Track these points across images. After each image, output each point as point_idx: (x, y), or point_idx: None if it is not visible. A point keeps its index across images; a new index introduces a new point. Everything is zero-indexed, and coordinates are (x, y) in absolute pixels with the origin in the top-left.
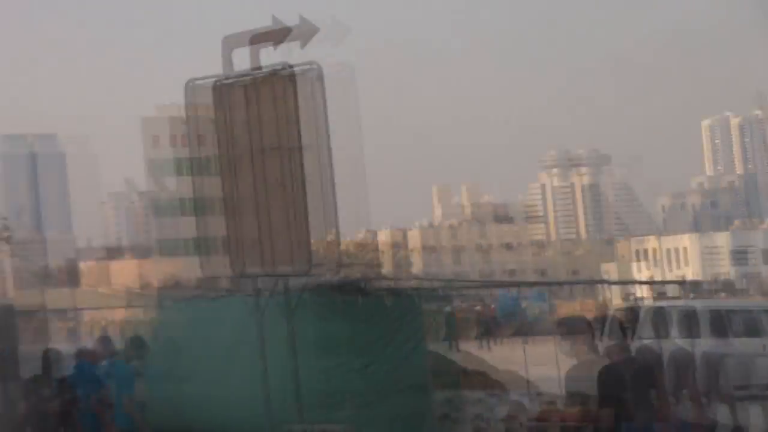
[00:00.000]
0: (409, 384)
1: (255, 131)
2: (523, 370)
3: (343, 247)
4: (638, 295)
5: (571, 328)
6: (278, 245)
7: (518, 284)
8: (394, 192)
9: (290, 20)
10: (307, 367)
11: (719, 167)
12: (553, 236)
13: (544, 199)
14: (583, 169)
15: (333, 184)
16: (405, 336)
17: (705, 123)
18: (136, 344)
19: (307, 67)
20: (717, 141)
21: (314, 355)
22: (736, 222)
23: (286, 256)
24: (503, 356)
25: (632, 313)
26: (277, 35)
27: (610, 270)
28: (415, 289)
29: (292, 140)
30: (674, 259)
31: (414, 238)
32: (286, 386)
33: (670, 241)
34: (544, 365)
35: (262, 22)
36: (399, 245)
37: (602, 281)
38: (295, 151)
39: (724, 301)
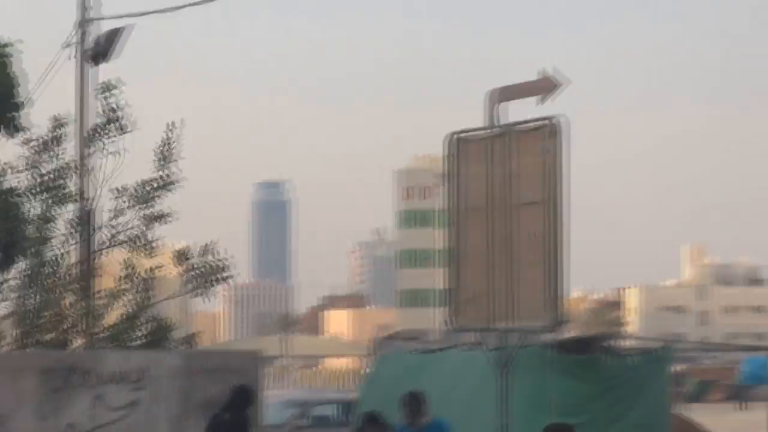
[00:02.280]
0: None
1: (505, 184)
2: None
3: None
4: None
5: None
6: (524, 300)
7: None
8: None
9: (531, 74)
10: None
11: None
12: None
13: None
14: None
15: (569, 240)
16: (650, 397)
17: None
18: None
19: (555, 120)
20: None
21: (558, 413)
22: None
23: (534, 311)
24: (749, 421)
25: None
26: (544, 88)
27: None
28: (662, 349)
29: (551, 193)
30: None
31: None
32: None
33: None
34: None
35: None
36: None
37: None
38: (554, 205)
39: None
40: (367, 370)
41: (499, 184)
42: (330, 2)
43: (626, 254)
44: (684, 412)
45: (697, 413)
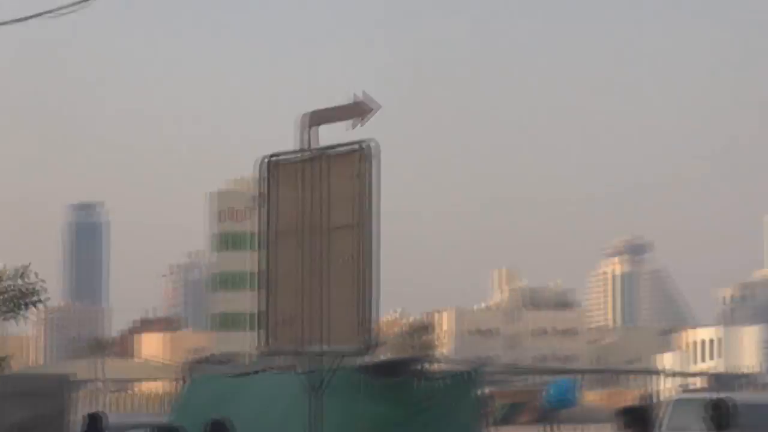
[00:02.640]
0: None
1: (317, 207)
2: None
3: (396, 327)
4: (694, 385)
5: (631, 417)
6: (337, 323)
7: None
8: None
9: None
10: None
11: None
12: (611, 323)
13: (606, 286)
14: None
15: (379, 263)
16: (460, 419)
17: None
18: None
19: (357, 146)
20: None
21: None
22: None
23: (346, 334)
24: None
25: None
26: (357, 112)
27: (666, 360)
28: (475, 372)
29: (363, 216)
30: (706, 351)
31: (456, 320)
32: None
33: (703, 333)
34: None
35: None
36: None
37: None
38: (365, 228)
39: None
40: (179, 394)
41: (312, 207)
42: (139, 17)
43: (440, 278)
44: None
45: None
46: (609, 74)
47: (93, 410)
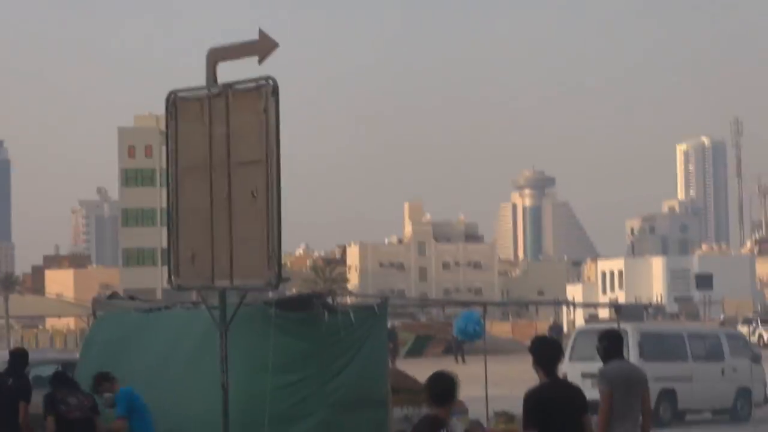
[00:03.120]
0: (370, 400)
1: (224, 143)
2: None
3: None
4: (600, 316)
5: (541, 348)
6: (244, 258)
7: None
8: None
9: (246, 35)
10: (270, 382)
11: (691, 192)
12: (520, 256)
13: (514, 219)
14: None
15: (279, 199)
16: (368, 352)
17: (681, 147)
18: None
19: (263, 82)
20: (691, 166)
21: (277, 371)
22: (704, 246)
23: (255, 269)
24: (468, 374)
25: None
26: (263, 48)
27: (574, 291)
28: (381, 304)
29: (270, 152)
30: (614, 282)
31: (357, 256)
32: (245, 403)
33: (609, 265)
34: (502, 385)
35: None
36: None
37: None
38: (272, 164)
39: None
40: (88, 331)
41: (219, 143)
42: None
43: (350, 212)
44: (401, 366)
45: (416, 367)
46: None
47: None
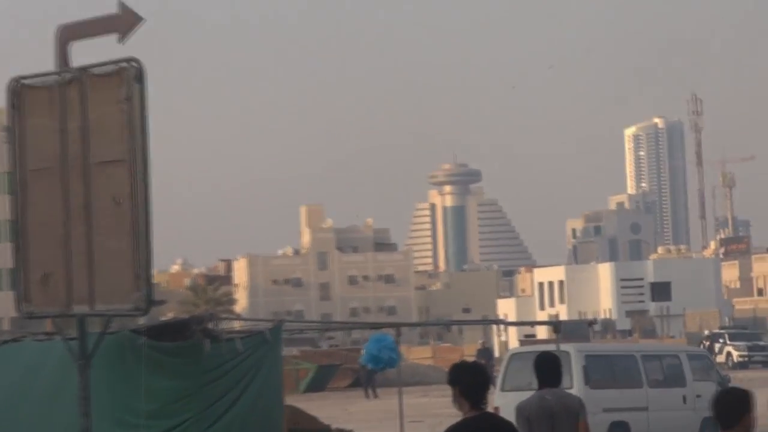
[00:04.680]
0: None
1: (79, 139)
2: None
3: (185, 280)
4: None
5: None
6: (107, 278)
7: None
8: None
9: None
10: (145, 426)
11: (643, 184)
12: (441, 266)
13: (433, 222)
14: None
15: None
16: (259, 387)
17: (629, 131)
18: None
19: (125, 64)
20: (641, 153)
21: (150, 415)
22: (660, 249)
23: (121, 291)
24: (381, 410)
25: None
26: (124, 23)
27: (506, 307)
28: (274, 329)
29: (136, 149)
30: (554, 293)
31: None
32: None
33: (547, 274)
34: (421, 421)
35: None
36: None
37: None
38: (139, 163)
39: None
40: None
41: (73, 139)
42: None
43: (236, 220)
44: (298, 403)
45: (317, 403)
46: None
47: None
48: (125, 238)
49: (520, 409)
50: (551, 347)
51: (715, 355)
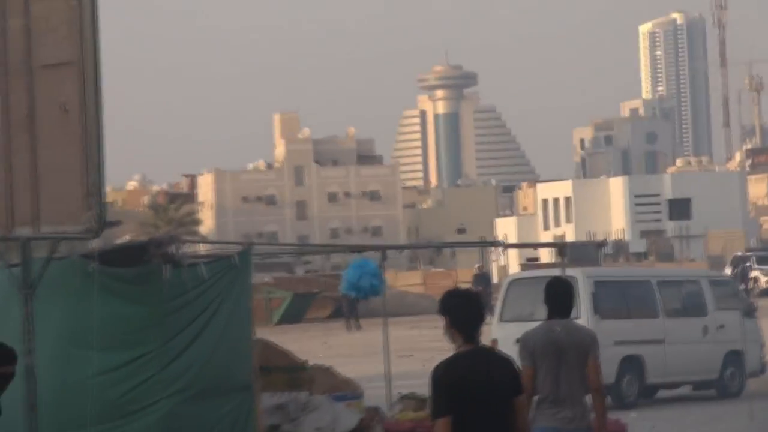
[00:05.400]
0: (230, 384)
1: (21, 39)
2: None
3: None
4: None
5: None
6: (54, 196)
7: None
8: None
9: None
10: (94, 364)
11: (660, 88)
12: (433, 181)
13: (423, 131)
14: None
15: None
16: (226, 318)
17: (645, 28)
18: None
19: None
20: (658, 52)
21: (104, 346)
22: (678, 161)
23: (70, 211)
24: (364, 343)
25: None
26: None
27: (506, 227)
28: (242, 254)
29: (83, 52)
30: (559, 212)
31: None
32: (60, 392)
33: (552, 189)
34: (410, 355)
35: None
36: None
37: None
38: (89, 66)
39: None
40: None
41: (15, 40)
42: None
43: (200, 130)
44: (270, 336)
45: (293, 336)
46: None
47: None
48: (74, 151)
49: (525, 341)
50: (556, 272)
51: (750, 280)
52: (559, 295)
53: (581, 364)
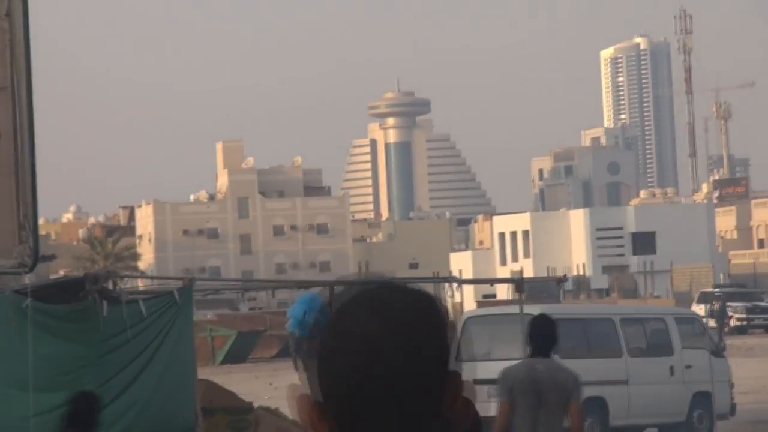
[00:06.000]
0: (169, 428)
1: None
2: None
3: (80, 231)
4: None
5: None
6: None
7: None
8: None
9: None
10: (34, 402)
11: (622, 116)
12: (384, 213)
13: (374, 161)
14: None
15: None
16: (167, 358)
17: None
18: None
19: None
20: (620, 79)
21: (40, 389)
22: (642, 193)
23: (2, 244)
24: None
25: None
26: None
27: (460, 262)
28: (183, 291)
29: (16, 77)
30: (517, 246)
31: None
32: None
33: (509, 222)
34: None
35: None
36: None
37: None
38: (21, 93)
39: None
40: None
41: None
42: None
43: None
44: (214, 376)
45: (237, 377)
46: None
47: None
48: (6, 181)
49: (504, 377)
50: (514, 309)
51: (729, 318)
52: (542, 334)
53: (562, 406)
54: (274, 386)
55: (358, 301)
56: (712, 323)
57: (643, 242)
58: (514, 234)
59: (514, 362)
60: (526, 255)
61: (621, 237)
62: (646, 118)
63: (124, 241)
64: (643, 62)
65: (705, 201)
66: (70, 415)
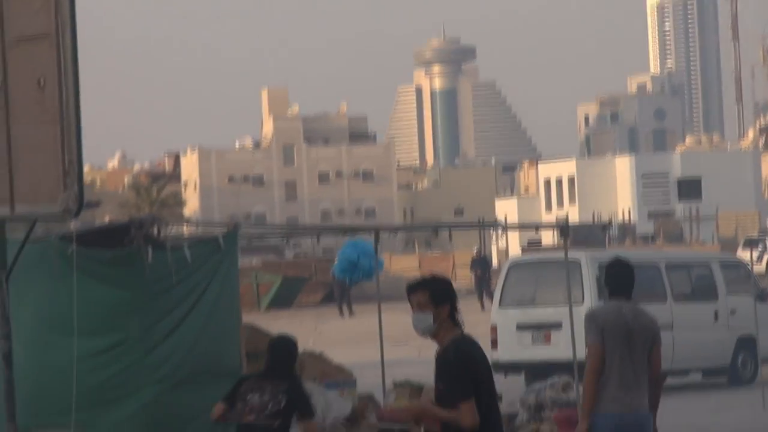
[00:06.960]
0: (216, 370)
1: None
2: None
3: (125, 178)
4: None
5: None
6: (30, 175)
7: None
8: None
9: None
10: (79, 347)
11: (669, 62)
12: (429, 161)
13: (419, 108)
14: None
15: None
16: (211, 303)
17: (652, 0)
18: None
19: None
20: (667, 25)
21: (85, 332)
22: (688, 139)
23: (47, 190)
24: (357, 330)
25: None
26: None
27: (506, 208)
28: (228, 236)
29: (61, 25)
30: (563, 192)
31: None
32: (38, 379)
33: (554, 169)
34: (405, 343)
35: None
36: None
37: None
38: (66, 39)
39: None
40: None
41: None
42: None
43: (185, 106)
44: (259, 321)
45: (282, 322)
46: None
47: None
48: (50, 128)
49: (594, 317)
50: (558, 255)
51: (754, 264)
52: (621, 276)
53: (647, 349)
54: (319, 331)
55: None
56: (761, 266)
57: (689, 188)
58: (559, 180)
59: (558, 309)
60: (572, 201)
61: (666, 183)
62: (692, 65)
63: (169, 188)
64: (689, 9)
65: (751, 147)
66: (271, 359)
